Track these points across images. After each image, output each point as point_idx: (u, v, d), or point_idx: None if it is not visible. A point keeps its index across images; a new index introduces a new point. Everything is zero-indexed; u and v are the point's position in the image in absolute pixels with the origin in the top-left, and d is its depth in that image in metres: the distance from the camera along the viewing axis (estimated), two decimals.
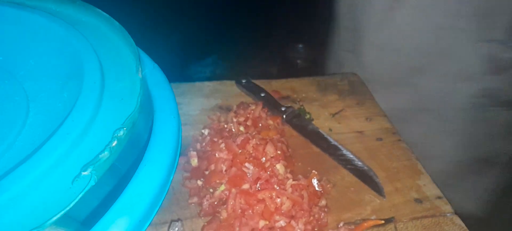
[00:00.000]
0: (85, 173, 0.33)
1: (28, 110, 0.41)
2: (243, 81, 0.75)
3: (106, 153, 0.34)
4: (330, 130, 0.70)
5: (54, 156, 0.33)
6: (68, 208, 0.30)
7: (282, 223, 0.52)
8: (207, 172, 0.58)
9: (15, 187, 0.31)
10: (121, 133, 0.36)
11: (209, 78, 0.99)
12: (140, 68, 0.40)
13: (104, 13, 0.46)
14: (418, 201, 0.58)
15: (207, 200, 0.54)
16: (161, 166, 0.37)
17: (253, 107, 0.68)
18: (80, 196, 0.31)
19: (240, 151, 0.58)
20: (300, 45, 1.03)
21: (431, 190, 0.60)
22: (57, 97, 0.42)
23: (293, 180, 0.56)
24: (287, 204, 0.53)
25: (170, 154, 0.38)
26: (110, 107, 0.39)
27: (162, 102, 0.42)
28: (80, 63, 0.42)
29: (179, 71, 1.03)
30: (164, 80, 0.44)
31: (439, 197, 0.59)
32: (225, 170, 0.57)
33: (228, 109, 0.70)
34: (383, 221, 0.55)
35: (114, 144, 0.35)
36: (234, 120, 0.66)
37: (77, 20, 0.46)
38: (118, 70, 0.43)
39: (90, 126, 0.36)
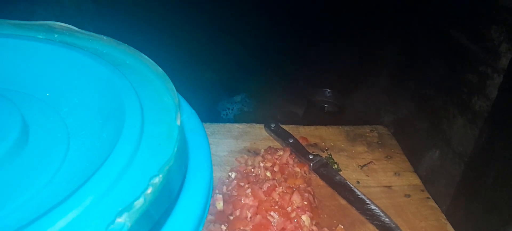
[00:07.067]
0: (120, 219, 0.33)
1: (69, 147, 0.42)
2: (272, 125, 0.75)
3: (141, 199, 0.34)
4: (358, 182, 0.69)
5: (90, 200, 0.33)
6: None
7: None
8: (231, 217, 0.57)
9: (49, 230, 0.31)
10: (157, 180, 0.36)
11: (237, 116, 1.01)
12: (179, 115, 0.41)
13: (148, 58, 0.47)
14: None
15: None
16: (192, 216, 0.37)
17: (281, 153, 0.68)
18: None
19: (266, 198, 0.58)
20: (328, 90, 1.04)
21: None
22: (97, 137, 0.43)
23: None
24: None
25: (201, 204, 0.38)
26: (147, 152, 0.39)
27: (197, 150, 0.42)
28: (121, 104, 0.43)
29: (208, 106, 1.06)
30: (201, 128, 0.45)
31: None
32: (250, 217, 0.56)
33: (255, 152, 0.71)
34: None
35: (149, 191, 0.35)
36: (261, 164, 0.66)
37: (121, 62, 0.48)
38: (157, 114, 0.43)
39: (127, 171, 0.37)
